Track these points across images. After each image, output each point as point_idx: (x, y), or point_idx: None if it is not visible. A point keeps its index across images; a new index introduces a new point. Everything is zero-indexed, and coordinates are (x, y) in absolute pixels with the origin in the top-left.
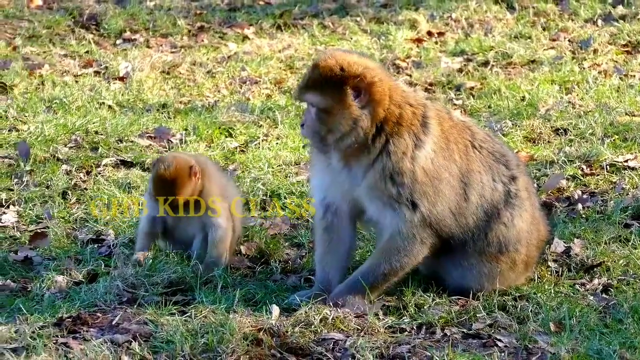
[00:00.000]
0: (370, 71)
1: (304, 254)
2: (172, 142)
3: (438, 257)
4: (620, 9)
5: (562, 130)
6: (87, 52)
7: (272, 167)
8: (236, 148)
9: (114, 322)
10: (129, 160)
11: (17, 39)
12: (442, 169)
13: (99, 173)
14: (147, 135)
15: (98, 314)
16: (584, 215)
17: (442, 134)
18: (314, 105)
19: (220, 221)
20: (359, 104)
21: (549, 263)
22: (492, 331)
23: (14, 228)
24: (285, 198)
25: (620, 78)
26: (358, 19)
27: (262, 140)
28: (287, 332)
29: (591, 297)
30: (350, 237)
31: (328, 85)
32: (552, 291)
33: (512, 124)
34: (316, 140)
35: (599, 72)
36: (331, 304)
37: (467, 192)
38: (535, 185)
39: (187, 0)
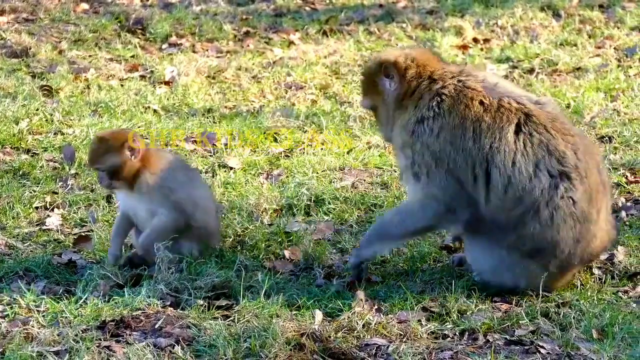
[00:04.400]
0: (400, 56)
1: (347, 258)
2: (217, 146)
3: (471, 244)
4: None
5: (606, 138)
6: (132, 56)
7: (317, 173)
8: (281, 153)
9: (156, 326)
10: None
11: (63, 43)
12: (448, 144)
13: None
14: (192, 139)
15: (141, 318)
16: (627, 223)
17: (456, 109)
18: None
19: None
20: (391, 87)
21: (593, 270)
22: (535, 338)
23: (58, 231)
24: (329, 203)
25: None
26: (404, 25)
27: (307, 146)
28: (329, 337)
29: (634, 305)
30: None
31: (368, 83)
32: (595, 298)
33: None
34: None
35: None
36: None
37: (490, 169)
38: None
39: (233, 5)
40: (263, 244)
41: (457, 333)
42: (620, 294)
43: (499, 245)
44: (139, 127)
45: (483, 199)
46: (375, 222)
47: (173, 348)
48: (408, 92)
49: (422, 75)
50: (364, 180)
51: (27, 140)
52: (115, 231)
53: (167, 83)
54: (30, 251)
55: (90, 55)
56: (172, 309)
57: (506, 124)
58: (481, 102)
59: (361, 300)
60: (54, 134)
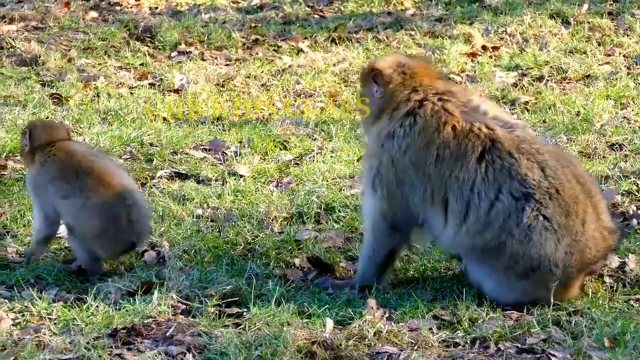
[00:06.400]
0: (391, 66)
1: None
2: (226, 154)
3: (469, 268)
4: None
5: (617, 146)
6: (142, 64)
7: (327, 180)
8: (291, 161)
9: (168, 334)
10: (183, 172)
11: (73, 51)
12: (411, 165)
13: (154, 185)
14: (202, 147)
15: (152, 326)
16: (638, 231)
17: (426, 131)
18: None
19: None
20: (376, 94)
21: (604, 278)
22: (546, 346)
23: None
24: (339, 211)
25: None
26: (412, 32)
27: (317, 154)
28: (340, 345)
29: None
30: None
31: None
32: (607, 306)
33: (567, 139)
34: None
35: None
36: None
37: (448, 195)
38: None
39: (242, 13)
40: (273, 252)
41: (468, 341)
42: (632, 302)
43: (494, 269)
44: (148, 135)
45: (439, 222)
46: (356, 273)
47: (184, 356)
48: (388, 103)
49: (405, 88)
50: None
51: None
52: None
53: (176, 91)
54: (41, 259)
55: (99, 64)
56: (183, 316)
57: (470, 151)
58: (453, 128)
59: (372, 308)
60: None
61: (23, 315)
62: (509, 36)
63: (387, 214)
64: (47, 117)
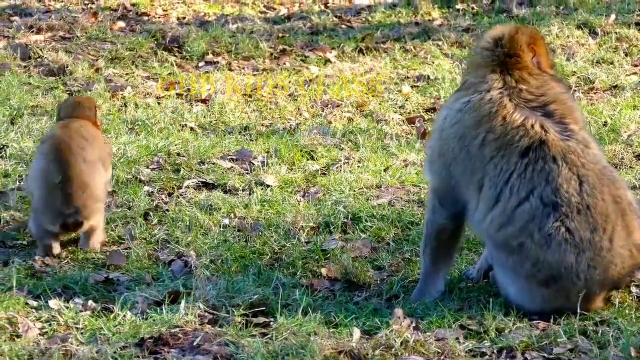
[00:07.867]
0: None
1: (385, 276)
2: (253, 164)
3: (496, 273)
4: None
5: None
6: (169, 74)
7: (353, 190)
8: (317, 171)
9: (195, 343)
10: (210, 182)
11: (100, 61)
12: (456, 140)
13: (181, 195)
14: (229, 157)
15: (179, 335)
16: None
17: (477, 114)
18: None
19: None
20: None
21: (631, 288)
22: (573, 356)
23: None
24: (366, 221)
25: None
26: (440, 43)
27: (344, 164)
28: (367, 354)
29: None
30: None
31: None
32: (634, 316)
33: None
34: None
35: None
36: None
37: (484, 180)
38: None
39: (270, 23)
40: (300, 262)
41: (495, 351)
42: None
43: (518, 275)
44: (175, 145)
45: (473, 205)
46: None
47: None
48: (463, 83)
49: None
50: (401, 198)
51: None
52: None
53: (203, 101)
54: (68, 268)
55: (127, 73)
56: (210, 326)
57: (516, 144)
58: (503, 118)
59: (399, 317)
60: None
61: (50, 325)
62: None
63: (437, 189)
64: None
